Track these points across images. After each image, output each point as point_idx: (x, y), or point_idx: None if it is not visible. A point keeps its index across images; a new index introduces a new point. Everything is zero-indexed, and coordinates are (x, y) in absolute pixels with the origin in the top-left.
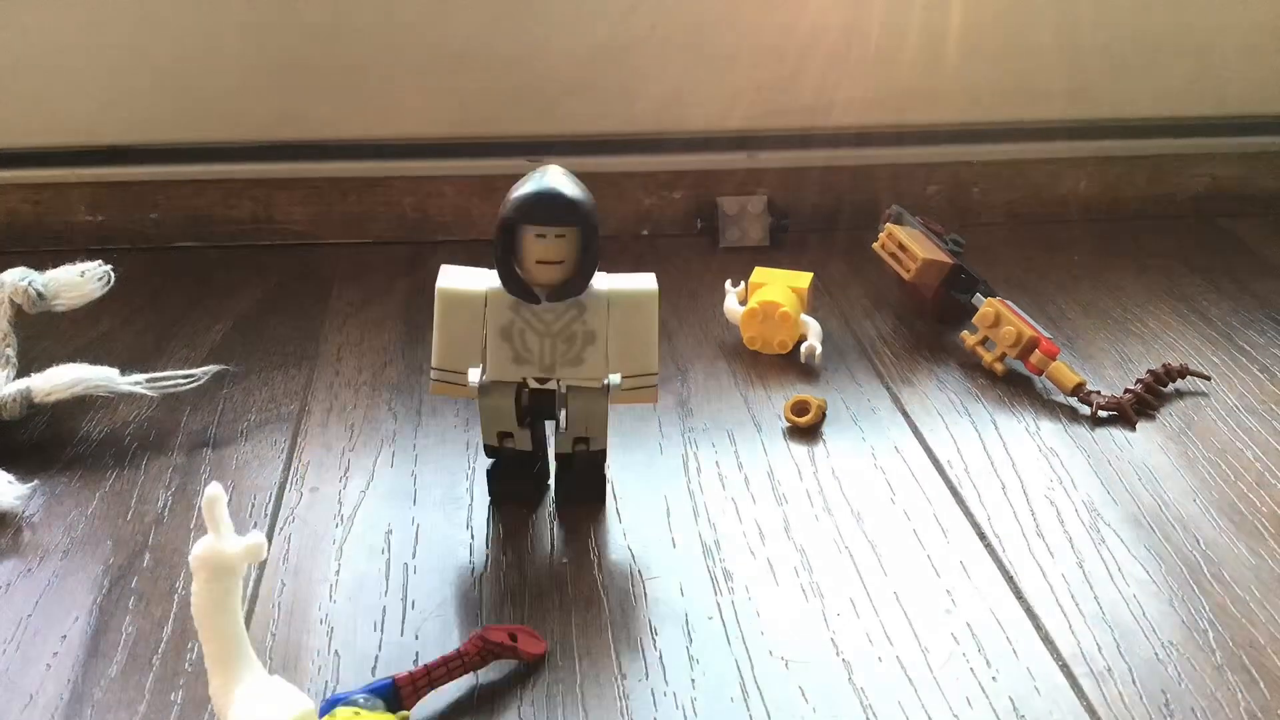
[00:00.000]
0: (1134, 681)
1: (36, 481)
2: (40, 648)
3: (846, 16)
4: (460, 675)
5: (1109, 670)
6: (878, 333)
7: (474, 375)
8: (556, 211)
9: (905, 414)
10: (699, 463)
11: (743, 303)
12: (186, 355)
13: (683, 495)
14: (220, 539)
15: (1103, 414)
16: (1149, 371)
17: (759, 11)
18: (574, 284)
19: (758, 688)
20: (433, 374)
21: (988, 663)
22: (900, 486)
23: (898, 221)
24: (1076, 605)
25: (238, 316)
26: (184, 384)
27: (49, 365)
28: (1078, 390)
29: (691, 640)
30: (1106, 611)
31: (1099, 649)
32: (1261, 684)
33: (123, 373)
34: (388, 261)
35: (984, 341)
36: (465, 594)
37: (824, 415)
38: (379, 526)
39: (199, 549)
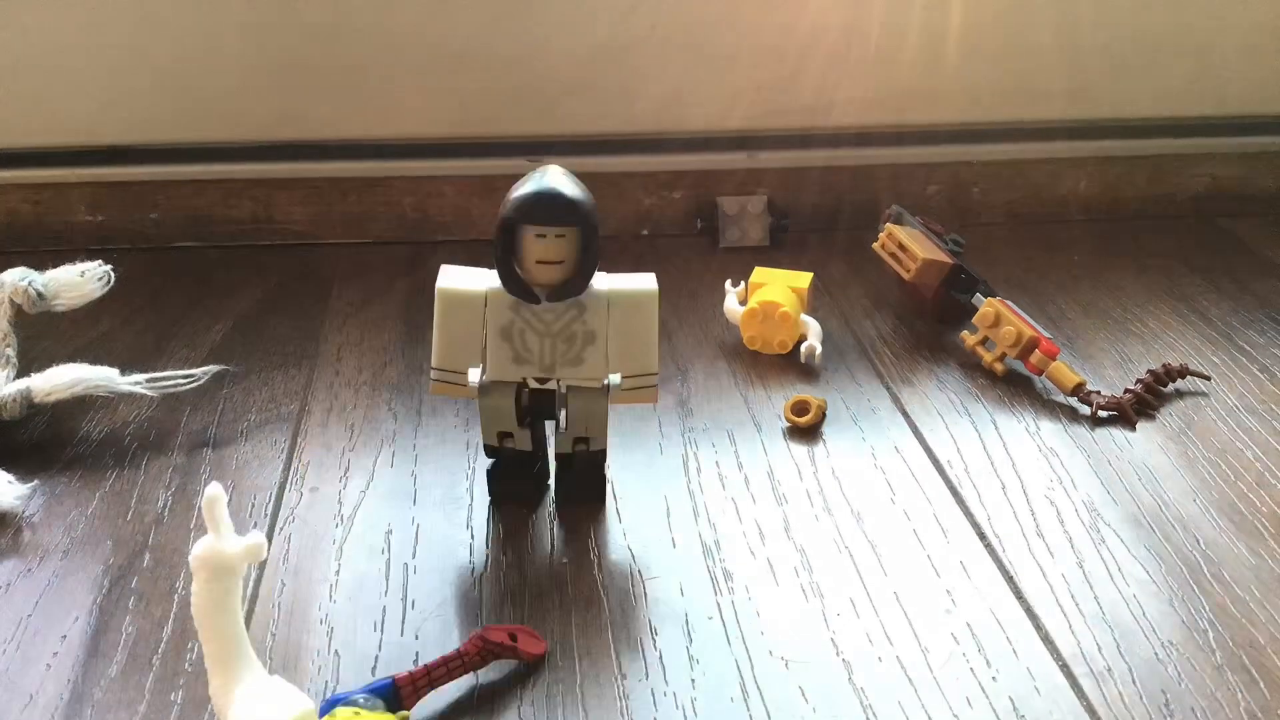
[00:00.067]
0: (1134, 681)
1: (36, 481)
2: (40, 648)
3: (846, 16)
4: (460, 675)
5: (1109, 670)
6: (878, 333)
7: (474, 375)
8: (556, 211)
9: (905, 414)
10: (699, 463)
11: (743, 303)
12: (186, 355)
13: (683, 495)
14: (220, 539)
15: (1103, 414)
16: (1149, 371)
17: (759, 11)
18: (574, 284)
19: (758, 688)
20: (433, 374)
21: (988, 663)
22: (900, 486)
23: (898, 221)
24: (1076, 605)
25: (238, 316)
26: (184, 384)
27: (49, 365)
28: (1078, 390)
29: (691, 640)
30: (1106, 611)
31: (1099, 649)
32: (1261, 684)
33: (123, 373)
34: (388, 261)
35: (984, 341)
36: (465, 594)
37: (824, 415)
38: (379, 526)
39: (199, 549)
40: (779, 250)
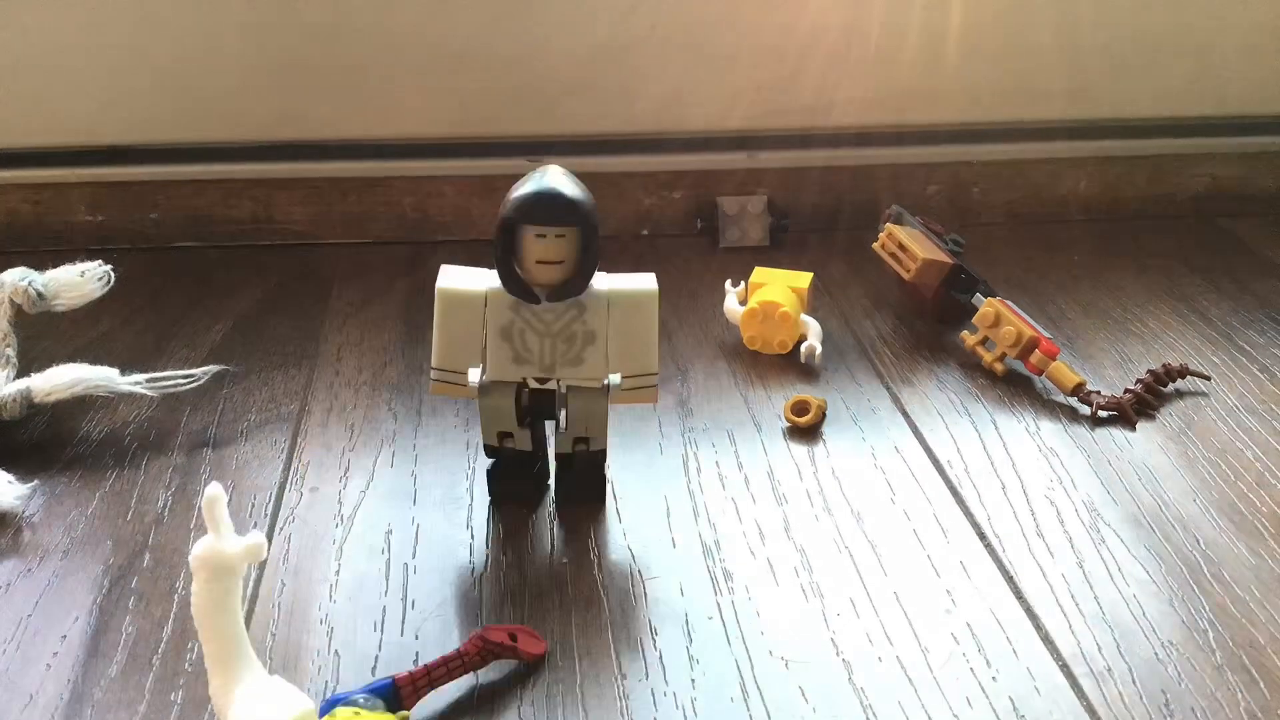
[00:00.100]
0: (1134, 681)
1: (36, 481)
2: (40, 648)
3: (846, 16)
4: (460, 675)
5: (1109, 670)
6: (878, 333)
7: (474, 375)
8: (556, 211)
9: (905, 414)
10: (699, 463)
11: (743, 303)
12: (186, 355)
13: (683, 495)
14: (220, 539)
15: (1103, 414)
16: (1149, 371)
17: (759, 11)
18: (574, 284)
19: (758, 688)
20: (433, 374)
21: (988, 663)
22: (900, 486)
23: (898, 221)
24: (1076, 605)
25: (238, 316)
26: (184, 384)
27: (49, 365)
28: (1078, 390)
29: (691, 640)
30: (1106, 611)
31: (1099, 649)
32: (1261, 684)
33: (123, 373)
34: (388, 261)
35: (984, 341)
36: (465, 594)
37: (824, 415)
38: (379, 526)
39: (199, 549)
40: (779, 250)
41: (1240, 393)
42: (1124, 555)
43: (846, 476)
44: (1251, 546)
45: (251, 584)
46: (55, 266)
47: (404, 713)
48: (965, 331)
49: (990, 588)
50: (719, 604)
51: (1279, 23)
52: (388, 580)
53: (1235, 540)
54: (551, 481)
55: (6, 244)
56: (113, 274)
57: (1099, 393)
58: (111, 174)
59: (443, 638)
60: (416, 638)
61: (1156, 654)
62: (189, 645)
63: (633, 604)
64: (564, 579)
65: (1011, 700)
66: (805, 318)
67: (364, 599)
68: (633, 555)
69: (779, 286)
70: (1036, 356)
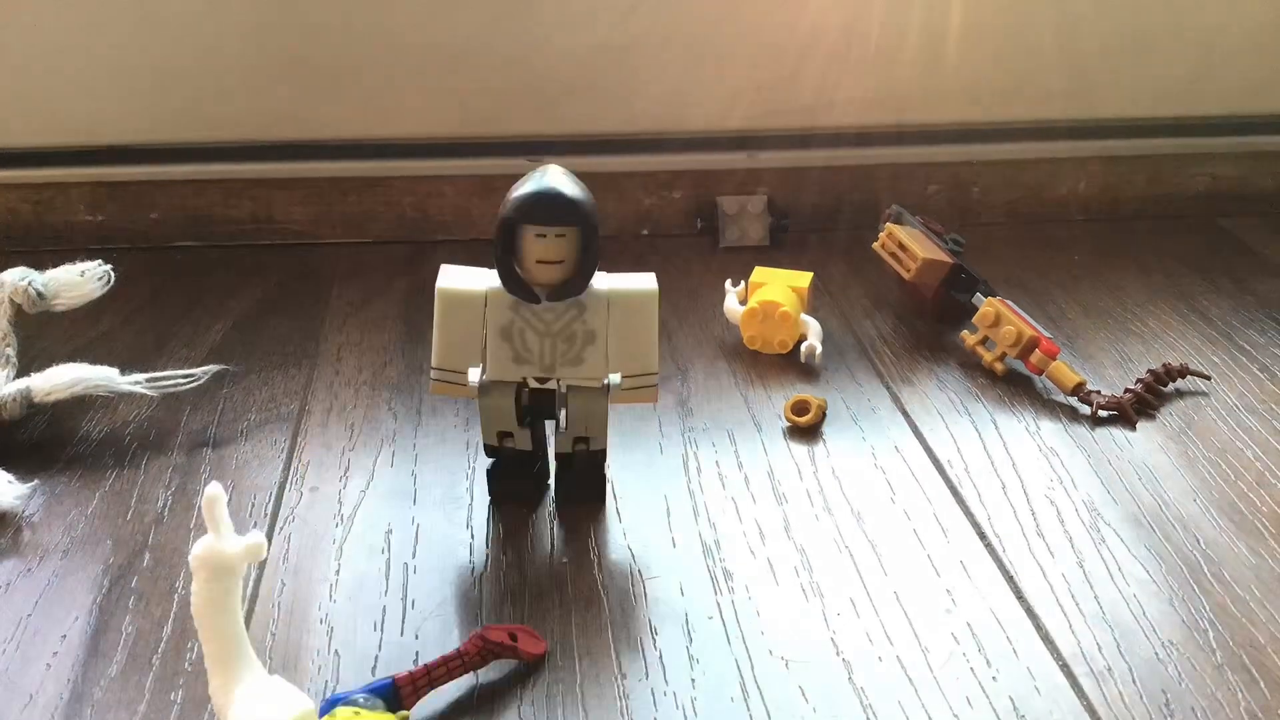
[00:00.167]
0: (1134, 681)
1: (36, 481)
2: (40, 648)
3: (846, 16)
4: (460, 675)
5: (1109, 670)
6: (878, 333)
7: (474, 375)
8: (556, 211)
9: (905, 414)
10: (699, 462)
11: (743, 302)
12: (186, 355)
13: (683, 495)
14: (220, 539)
15: (1103, 414)
16: (1149, 371)
17: (759, 11)
18: (574, 284)
19: (758, 687)
20: (433, 374)
21: (988, 662)
22: (900, 486)
23: (898, 221)
24: (1076, 605)
25: (238, 316)
26: (184, 384)
27: (49, 365)
28: (1078, 390)
29: (691, 640)
30: (1106, 611)
31: (1099, 649)
32: (1262, 684)
33: (123, 373)
34: (387, 261)
35: (984, 341)
36: (465, 594)
37: (824, 415)
38: (379, 526)
39: (199, 549)
40: (779, 250)
41: (1240, 392)
42: (1124, 555)
43: (846, 476)
44: (1252, 546)
45: (251, 584)
46: (55, 266)
47: (404, 713)
48: (965, 331)
49: (990, 587)
50: (719, 604)
51: (1279, 22)
52: (388, 580)
53: (1235, 540)
54: (551, 481)
55: (6, 244)
56: (112, 274)
57: (1099, 392)
58: (111, 174)
59: (443, 637)
60: (416, 637)
61: (1157, 654)
62: (189, 645)
63: (633, 604)
64: (564, 579)
65: (1011, 700)
66: (805, 317)
67: (364, 599)
68: (633, 555)
69: (779, 286)
70: (1036, 356)
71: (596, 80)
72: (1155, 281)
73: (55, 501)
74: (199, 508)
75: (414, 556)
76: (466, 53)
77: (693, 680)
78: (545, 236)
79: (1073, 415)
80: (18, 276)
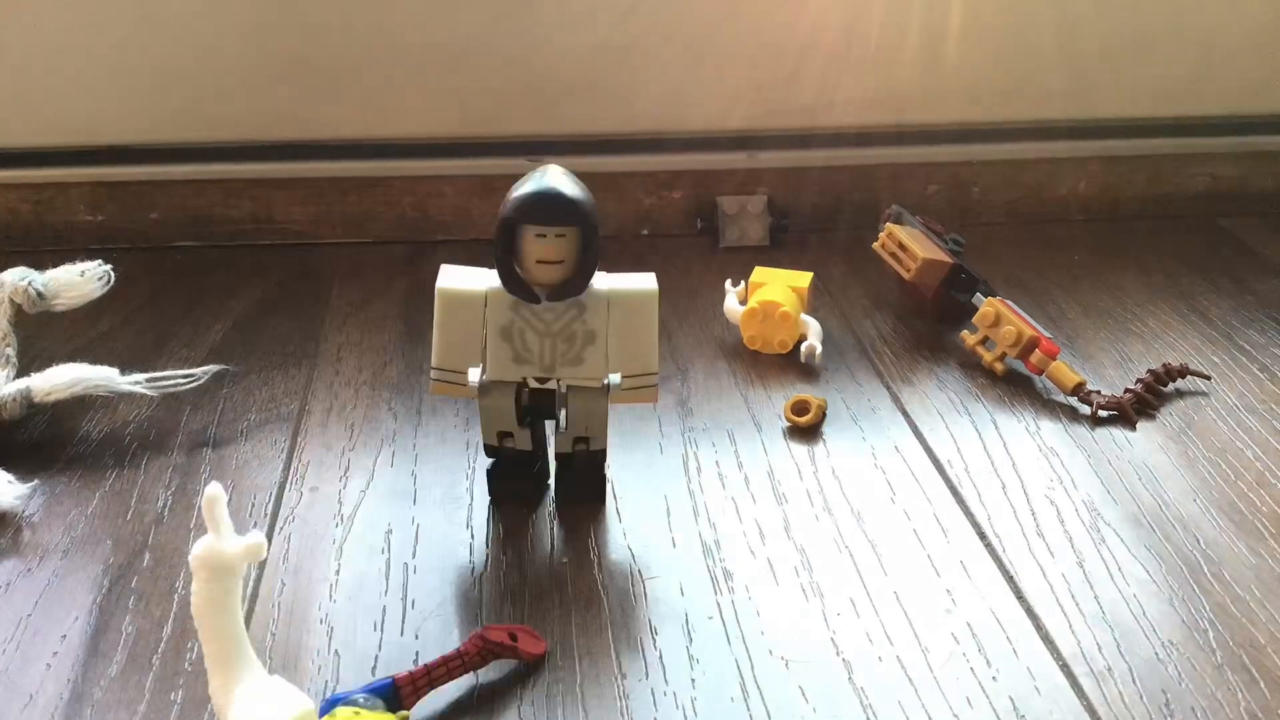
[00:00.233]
0: (1134, 681)
1: (36, 481)
2: (40, 648)
3: (846, 16)
4: (460, 675)
5: (1109, 670)
6: (878, 333)
7: (474, 375)
8: (556, 211)
9: (905, 414)
10: (699, 462)
11: (743, 302)
12: (186, 355)
13: (683, 495)
14: (220, 539)
15: (1103, 414)
16: (1149, 371)
17: (759, 11)
18: (574, 284)
19: (758, 687)
20: (433, 374)
21: (988, 662)
22: (900, 486)
23: (898, 221)
24: (1076, 605)
25: (238, 316)
26: (184, 384)
27: (49, 365)
28: (1078, 390)
29: (691, 640)
30: (1107, 611)
31: (1099, 649)
32: (1262, 684)
33: (123, 373)
34: (387, 261)
35: (984, 341)
36: (465, 594)
37: (824, 415)
38: (379, 526)
39: (199, 549)
40: (779, 250)
41: (1240, 392)
42: (1124, 555)
43: (846, 476)
44: (1252, 546)
45: (251, 584)
46: (55, 266)
47: (404, 712)
48: (965, 331)
49: (990, 587)
50: (719, 604)
51: (1279, 22)
52: (388, 580)
53: (1235, 540)
54: (551, 481)
55: (6, 244)
56: (112, 274)
57: (1099, 392)
58: (111, 174)
59: (443, 637)
60: (416, 637)
61: (1157, 654)
62: (189, 645)
63: (633, 604)
64: (564, 579)
65: (1011, 700)
66: (805, 317)
67: (364, 599)
68: (633, 555)
69: (779, 286)
70: (1036, 356)
71: (596, 80)
72: (1155, 281)
73: (55, 501)
74: (199, 508)
75: (414, 556)
76: (466, 53)
77: (693, 680)
78: (545, 236)
79: (1073, 415)
80: (18, 276)
